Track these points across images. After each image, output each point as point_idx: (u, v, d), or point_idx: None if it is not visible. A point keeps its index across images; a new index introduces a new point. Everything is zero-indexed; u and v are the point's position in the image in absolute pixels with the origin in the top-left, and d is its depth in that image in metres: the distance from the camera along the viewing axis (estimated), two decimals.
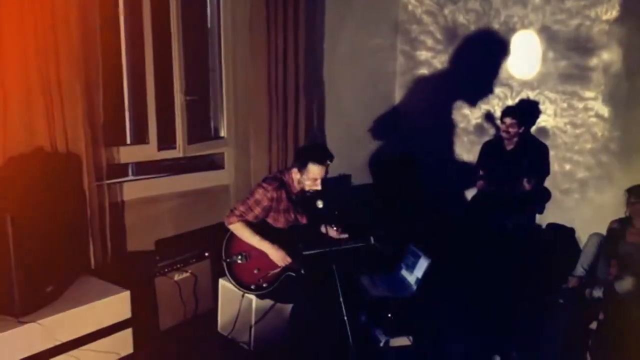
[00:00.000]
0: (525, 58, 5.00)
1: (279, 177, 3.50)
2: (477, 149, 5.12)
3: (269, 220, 3.45)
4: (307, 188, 3.41)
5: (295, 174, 3.42)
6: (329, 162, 3.37)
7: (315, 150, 3.48)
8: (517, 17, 4.99)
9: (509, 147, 4.77)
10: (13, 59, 3.23)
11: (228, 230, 3.43)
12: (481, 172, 4.94)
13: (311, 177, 3.35)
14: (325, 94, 5.17)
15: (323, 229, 3.56)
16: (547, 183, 4.89)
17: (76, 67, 3.45)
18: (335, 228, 3.55)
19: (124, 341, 3.37)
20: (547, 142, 4.87)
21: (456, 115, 5.53)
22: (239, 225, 3.37)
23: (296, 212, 3.52)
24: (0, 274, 2.89)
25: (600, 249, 4.18)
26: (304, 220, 3.55)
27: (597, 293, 4.01)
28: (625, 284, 3.92)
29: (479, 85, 5.32)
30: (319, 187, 3.37)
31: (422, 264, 3.91)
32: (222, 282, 3.68)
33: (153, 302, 3.64)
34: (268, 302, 3.49)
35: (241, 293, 3.45)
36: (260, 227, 3.41)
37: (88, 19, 3.59)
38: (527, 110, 4.89)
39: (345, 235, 3.57)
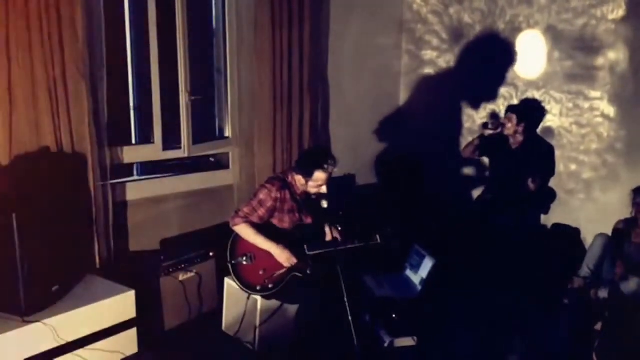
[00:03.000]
0: (530, 58, 4.98)
1: (281, 177, 3.50)
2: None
3: (274, 221, 3.44)
4: (313, 192, 3.42)
5: (299, 180, 3.42)
6: (334, 167, 3.38)
7: (320, 157, 3.44)
8: (523, 17, 4.97)
9: (514, 146, 4.75)
10: (19, 58, 3.24)
11: (233, 231, 3.43)
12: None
13: (317, 183, 3.36)
14: (330, 93, 5.16)
15: (328, 231, 3.55)
16: (552, 183, 4.87)
17: (82, 66, 3.47)
18: (340, 229, 3.54)
19: (129, 341, 3.39)
20: (553, 142, 4.85)
21: (461, 115, 5.52)
22: (244, 226, 3.36)
23: (301, 212, 3.51)
24: (6, 274, 2.91)
25: (606, 249, 4.15)
26: (309, 221, 3.55)
27: (603, 294, 3.99)
28: (630, 285, 3.90)
29: (484, 85, 5.31)
30: (324, 191, 3.39)
31: (427, 264, 3.90)
32: (228, 281, 3.68)
33: (158, 301, 3.65)
34: (273, 303, 3.49)
35: (247, 293, 3.45)
36: (265, 228, 3.40)
37: (94, 19, 3.61)
38: (525, 108, 4.84)
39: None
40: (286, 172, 3.56)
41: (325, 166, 3.35)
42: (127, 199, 4.00)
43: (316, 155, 3.51)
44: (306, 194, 3.48)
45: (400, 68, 5.87)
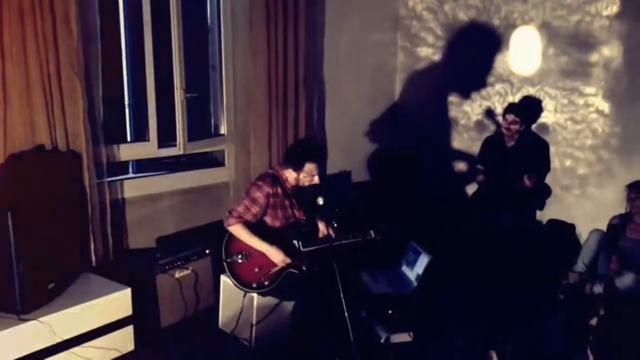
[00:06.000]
0: (525, 54, 4.99)
1: (271, 173, 3.50)
2: (477, 145, 5.11)
3: (267, 218, 3.44)
4: (306, 184, 3.42)
5: (290, 173, 3.43)
6: (322, 156, 3.39)
7: (308, 148, 3.49)
8: (518, 13, 4.98)
9: (510, 143, 4.77)
10: (13, 55, 3.23)
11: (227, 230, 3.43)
12: (479, 167, 4.92)
13: (309, 174, 3.37)
14: (325, 90, 5.16)
15: (321, 227, 3.56)
16: (548, 179, 4.89)
17: (76, 64, 3.45)
18: (335, 225, 3.53)
19: (125, 338, 3.39)
20: (548, 138, 4.86)
21: (456, 112, 5.53)
22: (238, 227, 3.36)
23: (293, 207, 3.51)
24: (2, 272, 2.90)
25: (601, 244, 4.18)
26: (301, 216, 3.55)
27: (598, 289, 4.01)
28: (625, 280, 3.92)
29: (479, 81, 5.31)
30: (317, 181, 3.40)
31: (423, 261, 3.91)
32: (224, 279, 3.68)
33: (154, 299, 3.65)
34: (269, 300, 3.49)
35: (243, 291, 3.45)
36: (258, 228, 3.40)
37: (88, 16, 3.60)
38: (529, 109, 4.88)
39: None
40: (276, 168, 3.56)
41: (315, 156, 3.38)
42: (122, 197, 3.99)
43: (303, 147, 3.56)
44: (297, 188, 3.48)
45: (395, 65, 5.88)
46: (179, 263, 3.80)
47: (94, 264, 3.66)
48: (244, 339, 3.53)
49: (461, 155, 5.53)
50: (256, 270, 3.39)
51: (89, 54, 3.61)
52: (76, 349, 3.13)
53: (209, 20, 4.56)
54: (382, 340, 3.54)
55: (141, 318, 3.48)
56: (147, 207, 4.14)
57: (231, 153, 4.64)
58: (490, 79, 5.23)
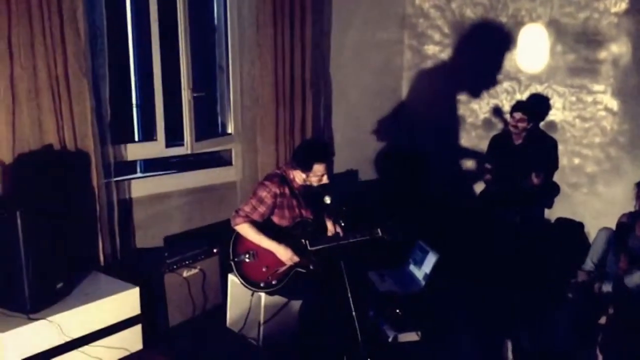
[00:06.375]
0: (533, 51, 4.97)
1: (279, 173, 3.49)
2: (485, 144, 5.10)
3: (275, 218, 3.44)
4: (315, 184, 3.41)
5: (299, 174, 3.42)
6: (331, 157, 3.38)
7: (316, 149, 3.46)
8: (525, 10, 4.96)
9: (518, 141, 4.75)
10: (21, 56, 3.25)
11: (234, 230, 3.44)
12: (487, 165, 4.92)
13: (318, 174, 3.35)
14: (332, 89, 5.16)
15: (330, 226, 3.56)
16: (556, 177, 4.87)
17: (84, 64, 3.47)
18: (343, 224, 3.53)
19: (134, 337, 3.40)
20: (556, 136, 4.84)
21: (464, 110, 5.51)
22: (245, 226, 3.36)
23: (300, 207, 3.51)
24: (10, 271, 2.92)
25: (610, 243, 4.15)
26: (308, 215, 3.54)
27: (607, 288, 3.99)
28: (634, 279, 3.89)
29: (487, 79, 5.30)
30: (326, 181, 3.38)
31: (431, 260, 3.90)
32: (231, 278, 3.69)
33: (162, 298, 3.66)
34: (277, 299, 3.49)
35: (251, 290, 3.45)
36: (265, 227, 3.40)
37: (95, 16, 3.62)
38: (537, 106, 4.86)
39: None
40: (284, 167, 3.56)
41: (323, 157, 3.36)
42: (130, 197, 4.01)
43: (312, 147, 3.52)
44: (305, 188, 3.48)
45: (402, 63, 5.86)
46: (186, 262, 3.80)
47: (102, 263, 3.68)
48: (251, 338, 3.54)
49: (468, 153, 5.51)
50: (264, 269, 3.39)
51: (96, 55, 3.63)
52: (85, 348, 3.15)
53: (215, 20, 4.57)
54: (389, 340, 3.54)
55: (149, 317, 3.49)
56: (155, 206, 4.15)
57: (238, 152, 4.65)
58: (498, 77, 5.21)
